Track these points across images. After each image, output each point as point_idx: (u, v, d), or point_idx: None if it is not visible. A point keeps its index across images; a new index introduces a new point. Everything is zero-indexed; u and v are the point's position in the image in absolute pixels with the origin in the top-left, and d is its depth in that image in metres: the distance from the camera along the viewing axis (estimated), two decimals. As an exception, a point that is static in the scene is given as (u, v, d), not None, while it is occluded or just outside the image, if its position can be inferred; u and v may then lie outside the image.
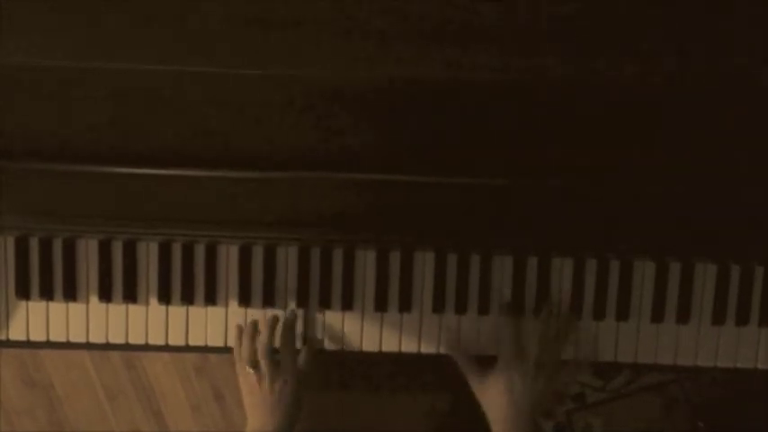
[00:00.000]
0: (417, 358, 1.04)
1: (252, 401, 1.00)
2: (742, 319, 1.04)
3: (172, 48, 0.91)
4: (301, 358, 1.03)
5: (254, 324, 1.02)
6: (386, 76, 0.94)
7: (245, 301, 1.03)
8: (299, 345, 1.04)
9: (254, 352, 1.00)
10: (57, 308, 1.04)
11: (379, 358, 1.06)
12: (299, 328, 1.05)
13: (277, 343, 1.01)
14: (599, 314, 1.04)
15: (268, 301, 1.04)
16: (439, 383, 1.22)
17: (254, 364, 1.00)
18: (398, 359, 1.05)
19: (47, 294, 1.03)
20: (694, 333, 1.04)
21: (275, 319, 1.02)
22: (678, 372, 1.60)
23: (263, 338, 1.00)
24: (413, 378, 1.04)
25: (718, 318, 1.04)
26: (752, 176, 0.97)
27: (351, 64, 0.93)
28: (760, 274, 1.03)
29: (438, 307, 1.04)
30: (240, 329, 1.03)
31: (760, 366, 1.05)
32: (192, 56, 0.91)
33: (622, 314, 1.03)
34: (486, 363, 1.02)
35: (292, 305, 1.04)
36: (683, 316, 1.03)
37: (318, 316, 1.04)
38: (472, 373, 1.01)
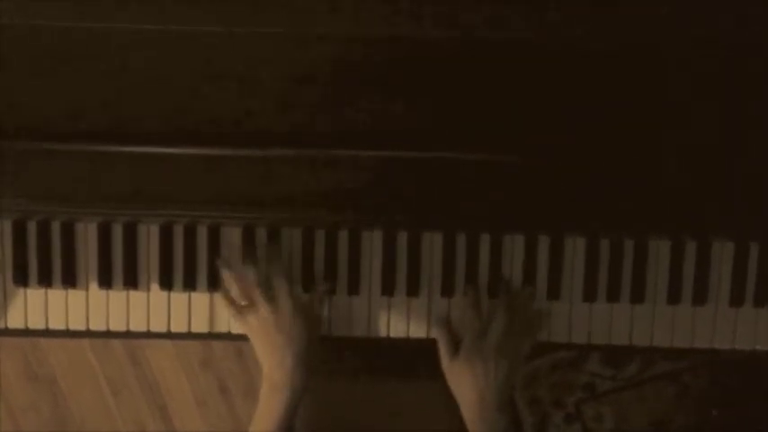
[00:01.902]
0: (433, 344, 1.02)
1: (261, 346, 0.96)
2: (761, 300, 1.01)
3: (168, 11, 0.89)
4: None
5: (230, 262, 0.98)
6: (389, 50, 0.92)
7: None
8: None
9: (244, 288, 0.96)
10: (56, 295, 1.02)
11: (392, 344, 1.04)
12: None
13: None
14: (613, 296, 1.01)
15: (272, 285, 1.01)
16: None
17: (249, 300, 0.96)
18: (414, 345, 1.03)
19: (45, 281, 1.01)
20: (711, 315, 1.02)
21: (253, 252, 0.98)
22: (690, 359, 1.59)
23: (248, 271, 0.96)
24: (431, 365, 1.01)
25: (737, 299, 1.01)
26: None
27: (352, 33, 0.91)
28: (779, 252, 1.00)
29: (447, 290, 1.01)
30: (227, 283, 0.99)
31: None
32: (188, 15, 0.89)
33: (637, 296, 1.01)
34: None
35: (298, 289, 1.01)
36: (700, 297, 1.01)
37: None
38: (446, 354, 0.99)
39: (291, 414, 0.94)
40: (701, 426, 1.61)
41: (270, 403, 0.94)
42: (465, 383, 0.95)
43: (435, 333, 1.00)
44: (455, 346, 0.98)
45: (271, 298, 0.95)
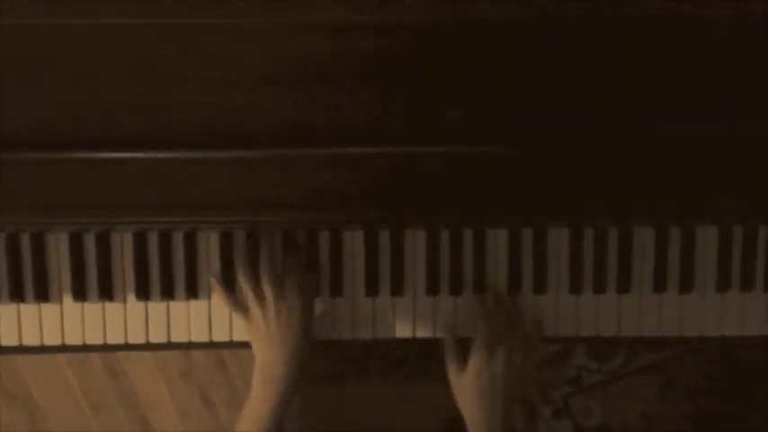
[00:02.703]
0: (424, 345, 1.00)
1: (257, 339, 0.95)
2: (747, 285, 1.00)
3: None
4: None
5: (251, 245, 0.97)
6: (365, 43, 0.90)
7: (229, 290, 0.98)
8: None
9: (254, 275, 0.95)
10: (28, 310, 0.99)
11: (383, 346, 1.02)
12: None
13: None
14: (599, 287, 1.00)
15: (253, 290, 0.98)
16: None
17: (256, 289, 0.94)
18: (401, 345, 1.01)
19: (17, 296, 0.98)
20: (698, 302, 1.01)
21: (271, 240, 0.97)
22: (674, 349, 1.59)
23: (264, 259, 0.95)
24: (420, 367, 1.00)
25: (723, 284, 1.00)
26: (750, 132, 0.93)
27: (326, 31, 0.89)
28: (764, 234, 0.99)
29: (432, 289, 0.99)
30: (217, 279, 0.97)
31: None
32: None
33: (623, 286, 1.00)
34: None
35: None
36: (687, 284, 1.00)
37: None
38: (452, 370, 0.98)
39: (282, 411, 0.93)
40: (688, 415, 1.61)
41: (262, 397, 0.93)
42: (472, 401, 0.95)
43: (444, 343, 0.99)
44: (463, 357, 0.97)
45: (281, 290, 0.94)
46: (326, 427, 1.10)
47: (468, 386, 0.96)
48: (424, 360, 0.99)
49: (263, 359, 0.94)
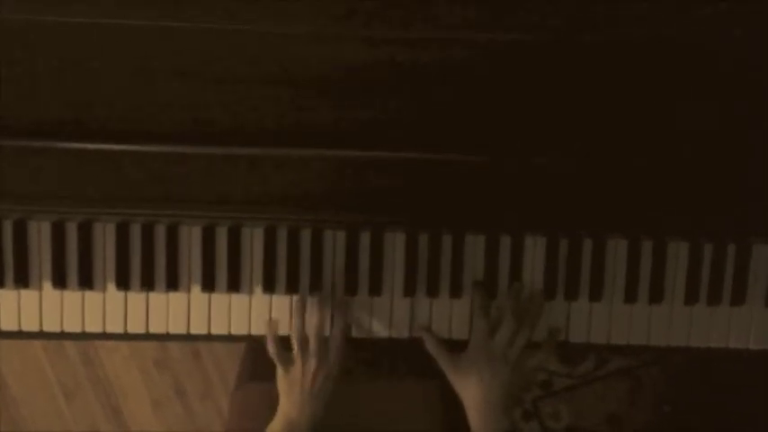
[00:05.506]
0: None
1: (291, 389, 0.97)
2: (713, 299, 1.02)
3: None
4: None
5: (303, 303, 0.99)
6: (357, 50, 0.91)
7: (209, 285, 0.99)
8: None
9: (305, 334, 0.97)
10: (7, 295, 0.99)
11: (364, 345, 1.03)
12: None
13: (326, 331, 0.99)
14: (571, 294, 1.02)
15: (233, 284, 1.00)
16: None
17: (303, 347, 0.97)
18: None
19: (-3, 281, 0.98)
20: (667, 313, 1.03)
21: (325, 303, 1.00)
22: (643, 356, 1.61)
23: (317, 323, 0.97)
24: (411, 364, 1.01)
25: (691, 297, 1.02)
26: (724, 151, 0.96)
27: (320, 37, 0.91)
28: (732, 252, 1.02)
29: (409, 290, 1.01)
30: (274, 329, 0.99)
31: (731, 346, 1.04)
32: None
33: (595, 294, 1.02)
34: (456, 347, 1.00)
35: (258, 289, 1.00)
36: (656, 295, 1.02)
37: (284, 300, 1.01)
38: (444, 359, 0.99)
39: None
40: (654, 421, 1.64)
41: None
42: (470, 383, 0.96)
43: (426, 341, 1.00)
44: (449, 347, 0.99)
45: (325, 355, 0.97)
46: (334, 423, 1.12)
47: (464, 370, 0.97)
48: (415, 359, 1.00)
49: (290, 405, 0.97)
